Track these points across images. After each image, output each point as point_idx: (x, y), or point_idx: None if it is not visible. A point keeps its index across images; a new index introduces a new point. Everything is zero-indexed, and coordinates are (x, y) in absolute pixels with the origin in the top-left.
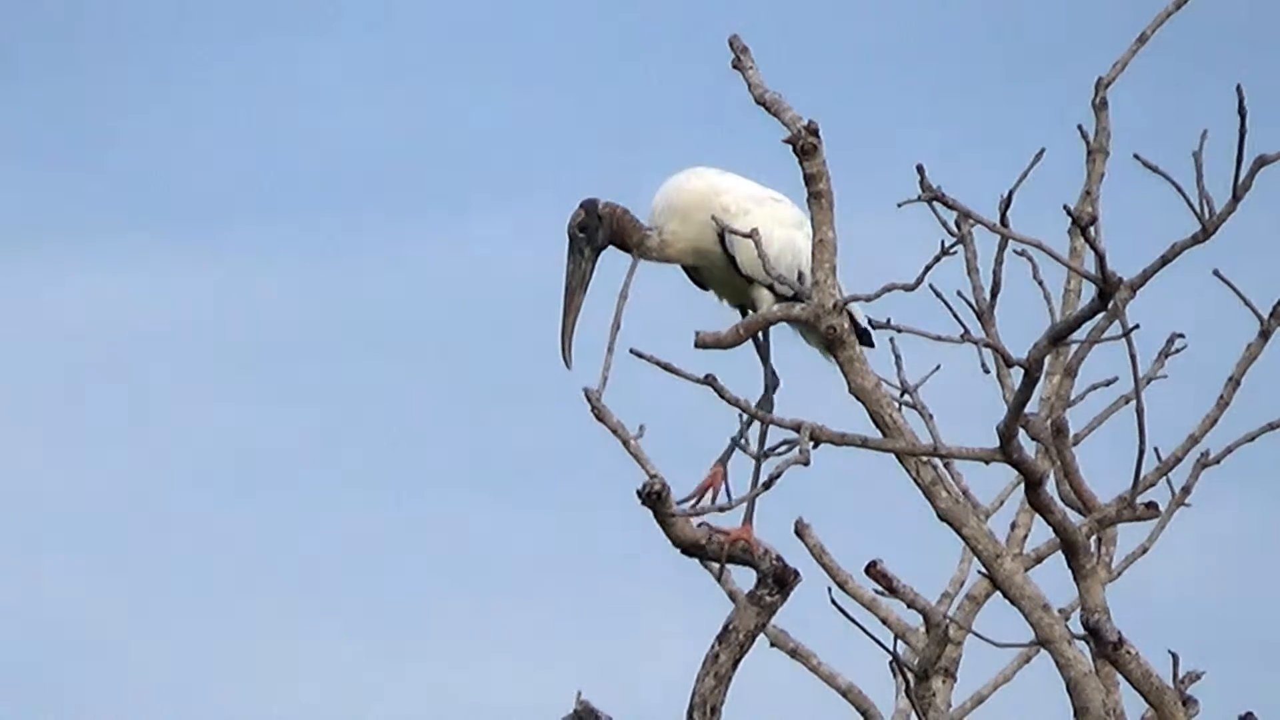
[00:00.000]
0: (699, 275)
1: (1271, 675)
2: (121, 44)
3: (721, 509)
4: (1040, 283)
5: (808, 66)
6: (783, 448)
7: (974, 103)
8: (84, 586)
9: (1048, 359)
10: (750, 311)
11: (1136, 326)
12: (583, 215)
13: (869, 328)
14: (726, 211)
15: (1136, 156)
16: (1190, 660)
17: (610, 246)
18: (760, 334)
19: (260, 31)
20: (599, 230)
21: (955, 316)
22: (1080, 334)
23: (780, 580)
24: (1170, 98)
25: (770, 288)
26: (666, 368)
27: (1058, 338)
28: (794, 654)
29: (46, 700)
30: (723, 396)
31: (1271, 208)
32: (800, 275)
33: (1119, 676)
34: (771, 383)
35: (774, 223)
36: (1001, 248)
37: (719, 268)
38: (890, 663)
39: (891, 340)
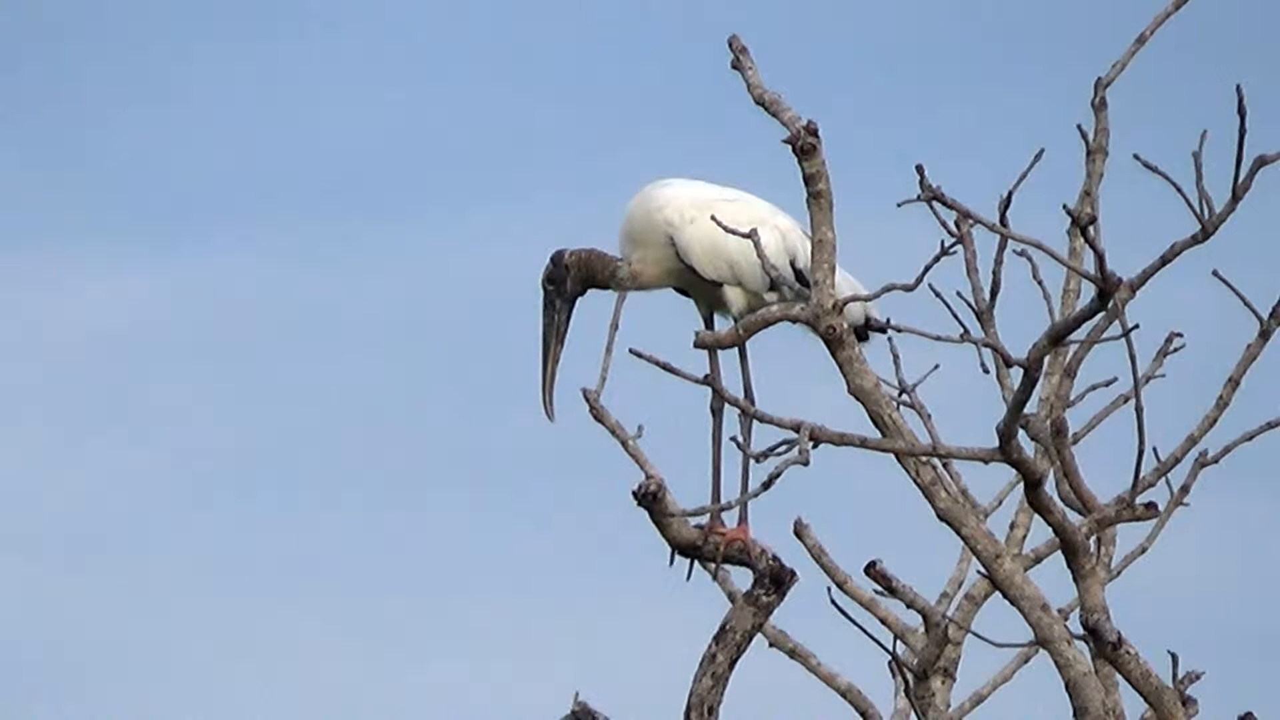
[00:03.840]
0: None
1: (1271, 675)
2: (121, 44)
3: (720, 509)
4: (1040, 283)
5: (808, 66)
6: (782, 448)
7: (974, 103)
8: (81, 586)
9: (1047, 359)
10: (717, 314)
11: (1136, 326)
12: (550, 268)
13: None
14: (671, 225)
15: (1136, 156)
16: (1190, 660)
17: (589, 290)
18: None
19: (260, 31)
20: (567, 280)
21: (955, 316)
22: (1080, 334)
23: (777, 580)
24: (1170, 98)
25: (740, 284)
26: (666, 368)
27: (1057, 338)
28: (793, 654)
29: (45, 701)
30: (723, 397)
31: (1271, 208)
32: (774, 268)
33: (1118, 676)
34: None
35: (729, 223)
36: (1001, 248)
37: (695, 280)
38: (889, 663)
39: (891, 340)
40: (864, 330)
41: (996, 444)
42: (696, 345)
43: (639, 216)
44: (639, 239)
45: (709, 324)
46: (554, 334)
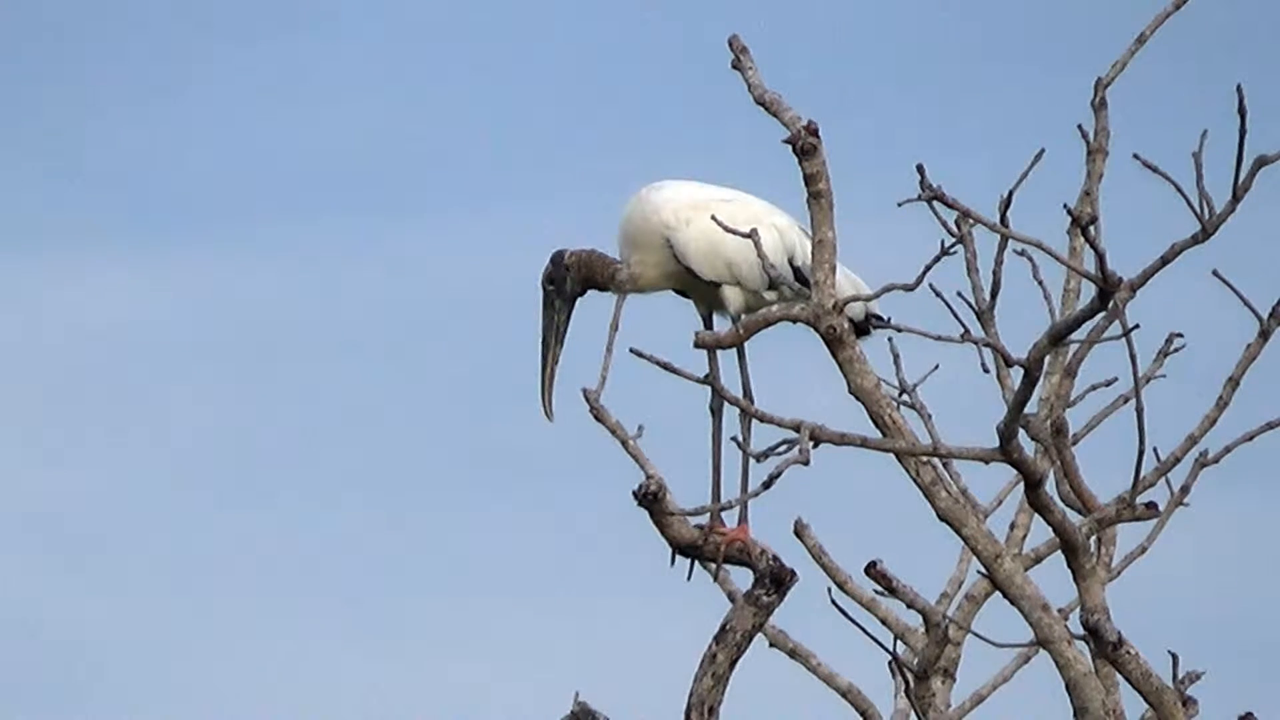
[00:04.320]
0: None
1: (1271, 675)
2: (121, 44)
3: (720, 509)
4: (1040, 283)
5: (808, 66)
6: (783, 448)
7: (974, 103)
8: (81, 586)
9: (1047, 359)
10: (716, 314)
11: (1136, 326)
12: (550, 268)
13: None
14: (668, 227)
15: (1136, 156)
16: (1190, 660)
17: (589, 291)
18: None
19: (260, 32)
20: (566, 280)
21: (955, 316)
22: (1080, 334)
23: (777, 580)
24: (1170, 98)
25: (738, 284)
26: (666, 367)
27: (1058, 338)
28: (793, 654)
29: (45, 701)
30: (723, 396)
31: (1271, 208)
32: (774, 267)
33: (1119, 676)
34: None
35: (727, 223)
36: (1001, 248)
37: (693, 281)
38: (890, 663)
39: (891, 340)
40: (865, 324)
41: (997, 444)
42: (696, 345)
43: (635, 219)
44: (636, 242)
45: (708, 324)
46: (554, 334)
